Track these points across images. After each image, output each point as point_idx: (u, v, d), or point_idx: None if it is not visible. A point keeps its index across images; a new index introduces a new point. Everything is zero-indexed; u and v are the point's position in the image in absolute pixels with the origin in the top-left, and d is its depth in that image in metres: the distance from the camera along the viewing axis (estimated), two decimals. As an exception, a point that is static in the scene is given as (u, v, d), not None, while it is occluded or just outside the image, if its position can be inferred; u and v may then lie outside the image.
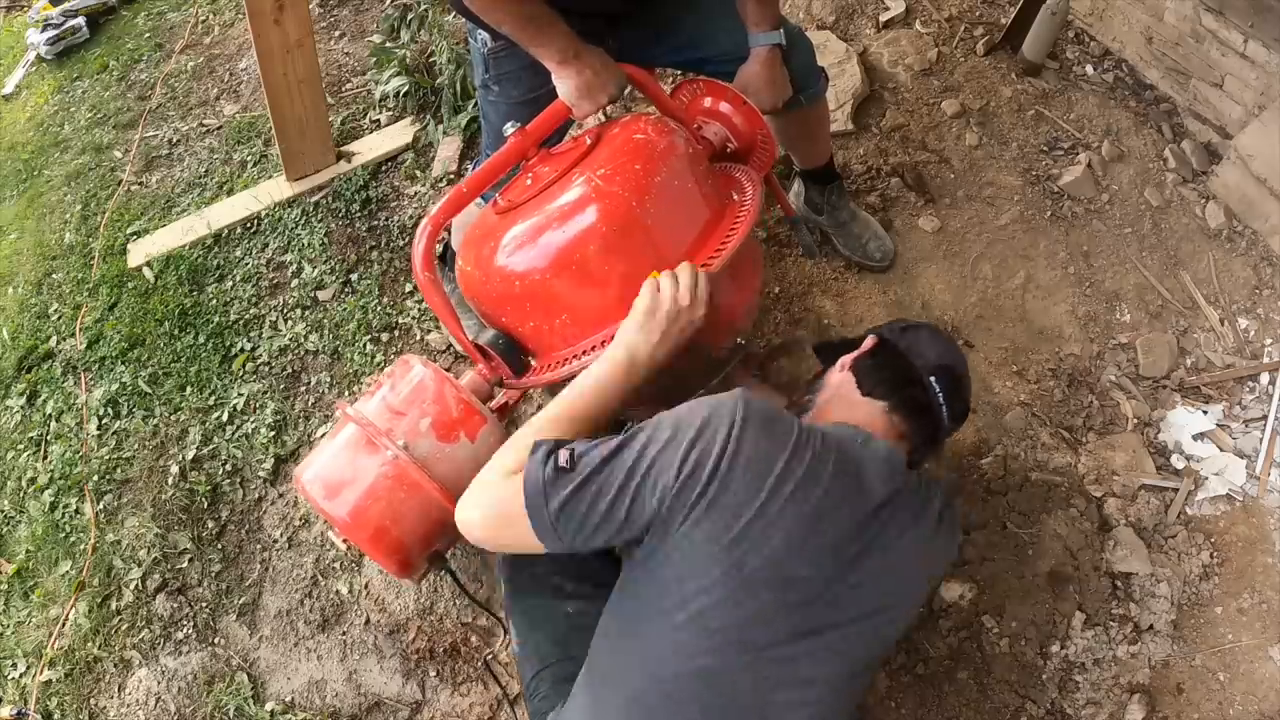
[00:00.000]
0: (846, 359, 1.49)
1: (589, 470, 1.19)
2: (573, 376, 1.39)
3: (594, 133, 1.56)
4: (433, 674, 2.10)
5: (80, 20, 4.07)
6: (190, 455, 2.49)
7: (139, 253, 2.99)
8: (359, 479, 1.39)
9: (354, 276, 2.75)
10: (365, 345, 2.60)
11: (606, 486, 1.18)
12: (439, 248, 2.37)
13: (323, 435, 2.43)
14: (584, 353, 1.43)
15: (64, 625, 2.33)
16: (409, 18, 3.10)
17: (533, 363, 1.56)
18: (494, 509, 1.24)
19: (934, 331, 1.55)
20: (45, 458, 2.65)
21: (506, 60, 1.83)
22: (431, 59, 3.02)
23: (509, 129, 1.55)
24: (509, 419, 1.90)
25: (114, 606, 2.33)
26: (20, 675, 2.31)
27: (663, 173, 1.43)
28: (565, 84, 1.61)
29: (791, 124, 2.11)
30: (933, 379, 1.40)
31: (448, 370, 1.74)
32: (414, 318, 2.63)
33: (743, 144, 1.76)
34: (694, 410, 1.22)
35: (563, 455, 1.20)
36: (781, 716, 1.23)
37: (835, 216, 2.40)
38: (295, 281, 2.79)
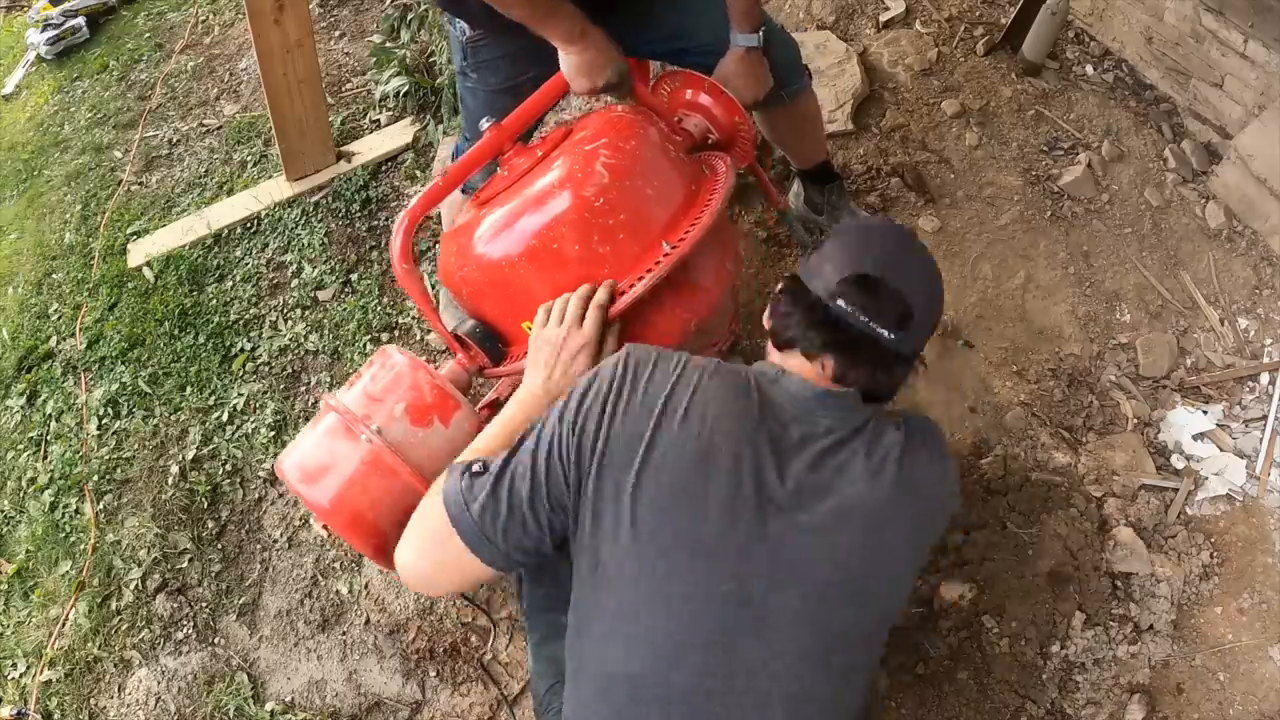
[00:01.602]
0: (765, 317, 1.30)
1: (499, 465, 1.18)
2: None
3: (567, 126, 1.59)
4: (433, 674, 2.10)
5: (80, 20, 4.07)
6: (190, 455, 2.49)
7: (139, 253, 2.99)
8: (337, 465, 1.39)
9: (354, 276, 2.75)
10: (365, 345, 2.60)
11: (518, 474, 1.17)
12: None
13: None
14: None
15: (64, 625, 2.33)
16: (409, 18, 3.10)
17: (514, 350, 1.57)
18: (424, 536, 1.22)
19: (843, 235, 1.27)
20: (45, 458, 2.65)
21: (485, 49, 1.85)
22: (431, 59, 3.02)
23: (484, 124, 1.57)
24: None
25: (114, 606, 2.33)
26: (20, 675, 2.31)
27: (635, 158, 1.45)
28: (568, 60, 1.63)
29: (778, 121, 2.13)
30: (839, 302, 1.17)
31: (436, 364, 1.75)
32: (414, 318, 2.63)
33: (724, 135, 1.77)
34: (582, 378, 1.22)
35: (475, 465, 1.20)
36: (741, 705, 1.13)
37: (835, 217, 2.40)
38: (295, 281, 2.79)
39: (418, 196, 1.55)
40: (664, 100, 1.82)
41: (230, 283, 2.84)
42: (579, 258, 1.41)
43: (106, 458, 2.56)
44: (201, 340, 2.72)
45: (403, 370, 1.46)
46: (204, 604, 2.28)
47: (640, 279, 1.39)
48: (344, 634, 2.19)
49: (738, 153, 1.78)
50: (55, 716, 2.23)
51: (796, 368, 1.22)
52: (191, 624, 2.26)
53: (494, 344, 1.53)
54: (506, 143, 1.58)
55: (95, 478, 2.52)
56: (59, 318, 2.98)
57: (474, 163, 1.57)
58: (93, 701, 2.23)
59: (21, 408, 2.79)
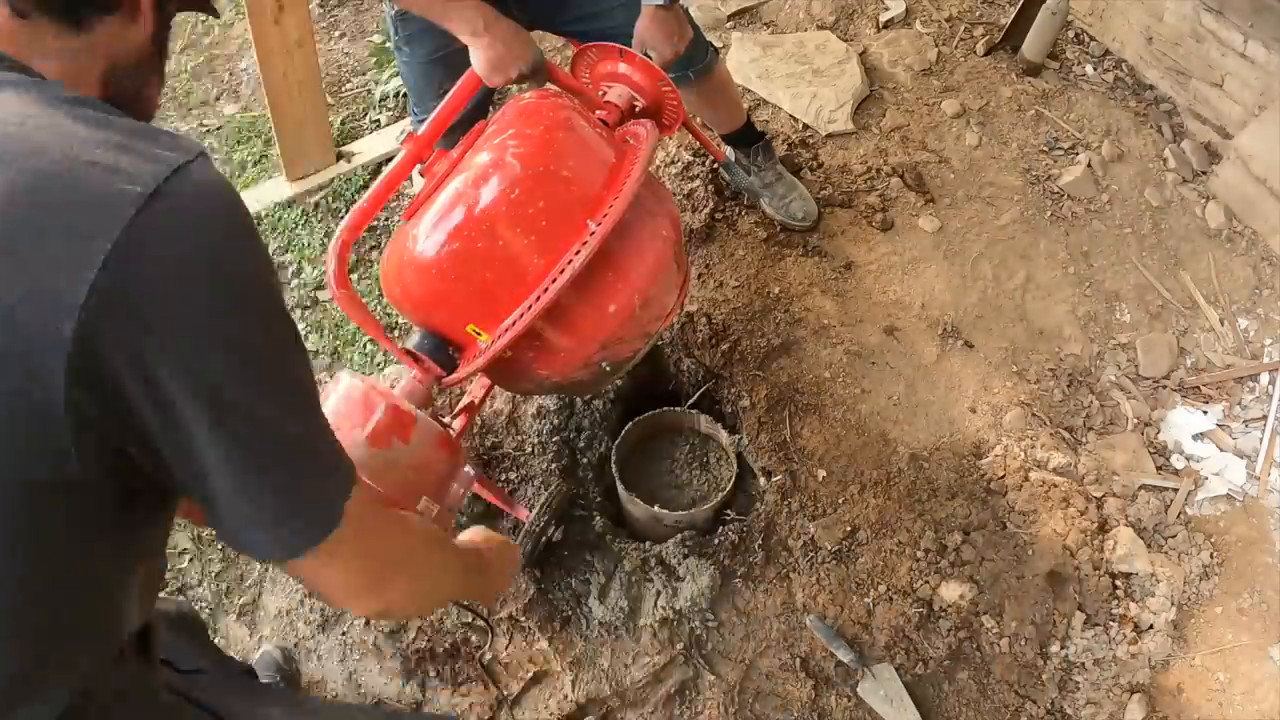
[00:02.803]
0: None
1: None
2: (502, 354, 1.41)
3: (484, 123, 1.58)
4: (432, 674, 2.10)
5: (80, 20, 4.07)
6: (190, 455, 2.49)
7: (139, 253, 2.99)
8: None
9: (354, 276, 2.75)
10: (366, 345, 2.59)
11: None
12: None
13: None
14: (513, 323, 1.41)
15: (64, 625, 2.33)
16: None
17: (466, 354, 1.55)
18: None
19: None
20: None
21: (411, 21, 1.87)
22: (431, 59, 3.02)
23: (400, 136, 1.59)
24: (472, 421, 1.97)
25: (114, 606, 2.33)
26: (20, 675, 2.31)
27: (545, 142, 1.45)
28: (477, 55, 1.63)
29: (689, 94, 2.24)
30: None
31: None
32: (414, 318, 2.63)
33: (649, 100, 1.76)
34: None
35: None
36: None
37: (761, 178, 2.50)
38: (295, 281, 2.78)
39: (346, 220, 1.55)
40: (584, 79, 1.81)
41: (230, 283, 2.84)
42: (506, 251, 1.40)
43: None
44: (201, 340, 2.72)
45: (355, 395, 1.41)
46: (204, 604, 2.28)
47: (569, 263, 1.35)
48: (344, 634, 2.18)
49: (669, 114, 1.77)
50: (55, 716, 2.23)
51: None
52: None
53: (443, 353, 1.52)
54: (425, 151, 1.57)
55: (95, 478, 2.53)
56: (59, 318, 2.98)
57: (395, 179, 1.57)
58: (93, 701, 2.23)
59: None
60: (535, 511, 1.96)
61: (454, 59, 1.70)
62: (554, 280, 1.36)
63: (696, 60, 2.10)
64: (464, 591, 1.27)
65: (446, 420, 1.67)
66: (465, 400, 1.70)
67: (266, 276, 0.76)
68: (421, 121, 1.67)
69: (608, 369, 1.52)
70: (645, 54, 1.79)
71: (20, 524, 0.71)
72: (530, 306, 1.37)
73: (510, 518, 2.12)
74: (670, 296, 1.60)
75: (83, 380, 0.64)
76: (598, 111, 1.66)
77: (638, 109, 1.73)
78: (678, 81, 2.05)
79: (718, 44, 2.96)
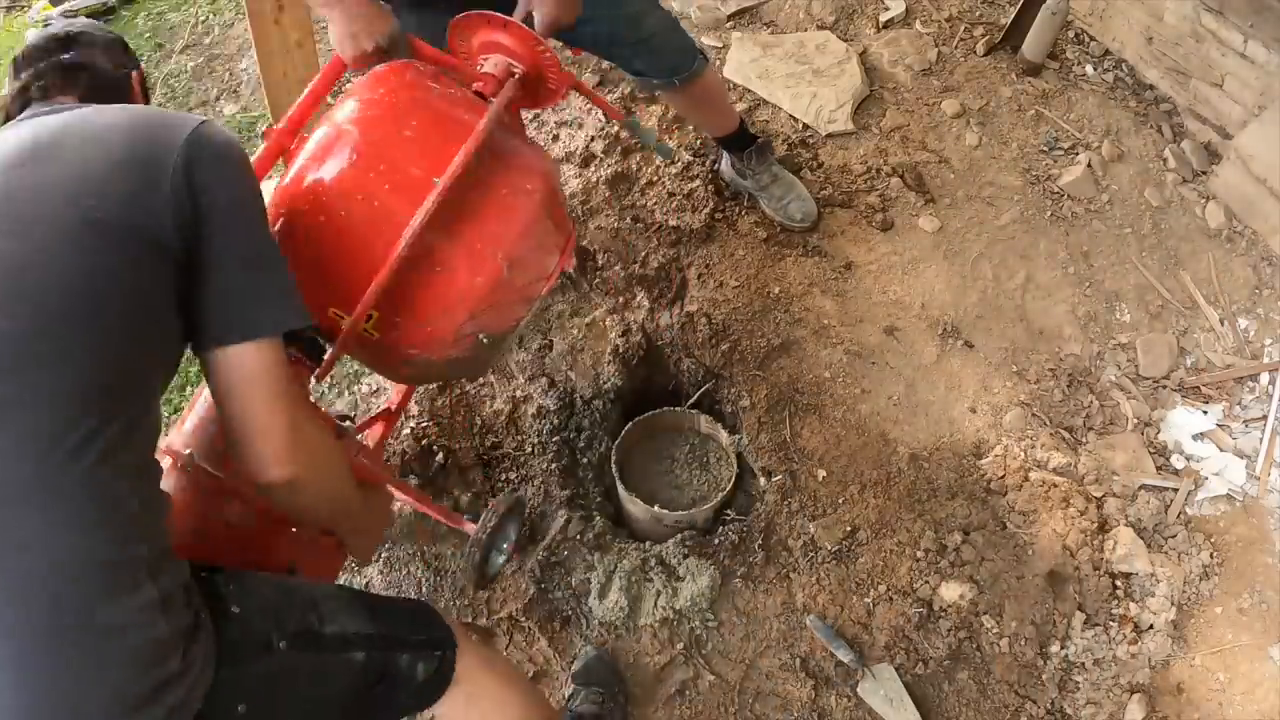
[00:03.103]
0: None
1: None
2: (368, 336, 1.36)
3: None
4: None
5: (80, 20, 4.07)
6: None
7: (139, 253, 2.99)
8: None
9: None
10: (365, 345, 2.59)
11: None
12: None
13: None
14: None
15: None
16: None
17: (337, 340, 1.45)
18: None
19: None
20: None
21: None
22: (431, 59, 3.02)
23: (261, 128, 1.56)
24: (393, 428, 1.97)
25: (114, 607, 2.32)
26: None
27: (387, 105, 1.39)
28: (331, 29, 1.56)
29: (676, 102, 2.37)
30: None
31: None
32: (414, 318, 2.63)
33: (529, 66, 1.62)
34: None
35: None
36: None
37: (757, 180, 2.50)
38: (295, 281, 2.78)
39: None
40: (460, 51, 1.69)
41: (230, 283, 2.84)
42: (359, 220, 1.31)
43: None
44: (201, 340, 2.71)
45: (208, 396, 1.41)
46: (204, 604, 2.28)
47: (411, 224, 1.27)
48: (344, 634, 2.18)
49: (551, 80, 1.65)
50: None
51: None
52: (191, 624, 2.26)
53: (316, 347, 1.46)
54: (289, 140, 1.49)
55: (95, 478, 2.52)
56: (59, 318, 2.98)
57: (261, 173, 1.44)
58: (93, 701, 2.22)
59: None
60: (480, 522, 1.89)
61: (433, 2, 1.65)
62: (400, 245, 1.28)
63: (682, 68, 2.13)
64: (351, 509, 1.35)
65: (348, 424, 1.62)
66: (382, 406, 1.63)
67: (251, 165, 1.20)
68: None
69: (485, 341, 1.41)
70: (528, 19, 1.67)
71: (127, 254, 1.03)
72: (386, 272, 1.29)
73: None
74: (549, 257, 1.49)
75: (177, 185, 1.07)
76: (475, 85, 1.57)
77: (516, 75, 1.61)
78: (664, 88, 2.11)
79: (718, 44, 2.97)
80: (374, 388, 2.45)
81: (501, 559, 2.04)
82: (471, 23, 1.62)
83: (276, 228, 1.33)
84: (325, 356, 1.44)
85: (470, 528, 1.89)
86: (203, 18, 3.92)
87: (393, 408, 1.89)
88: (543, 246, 1.46)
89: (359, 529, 1.52)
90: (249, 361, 1.10)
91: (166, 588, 0.99)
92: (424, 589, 2.19)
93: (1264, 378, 2.27)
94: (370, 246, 1.30)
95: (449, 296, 1.35)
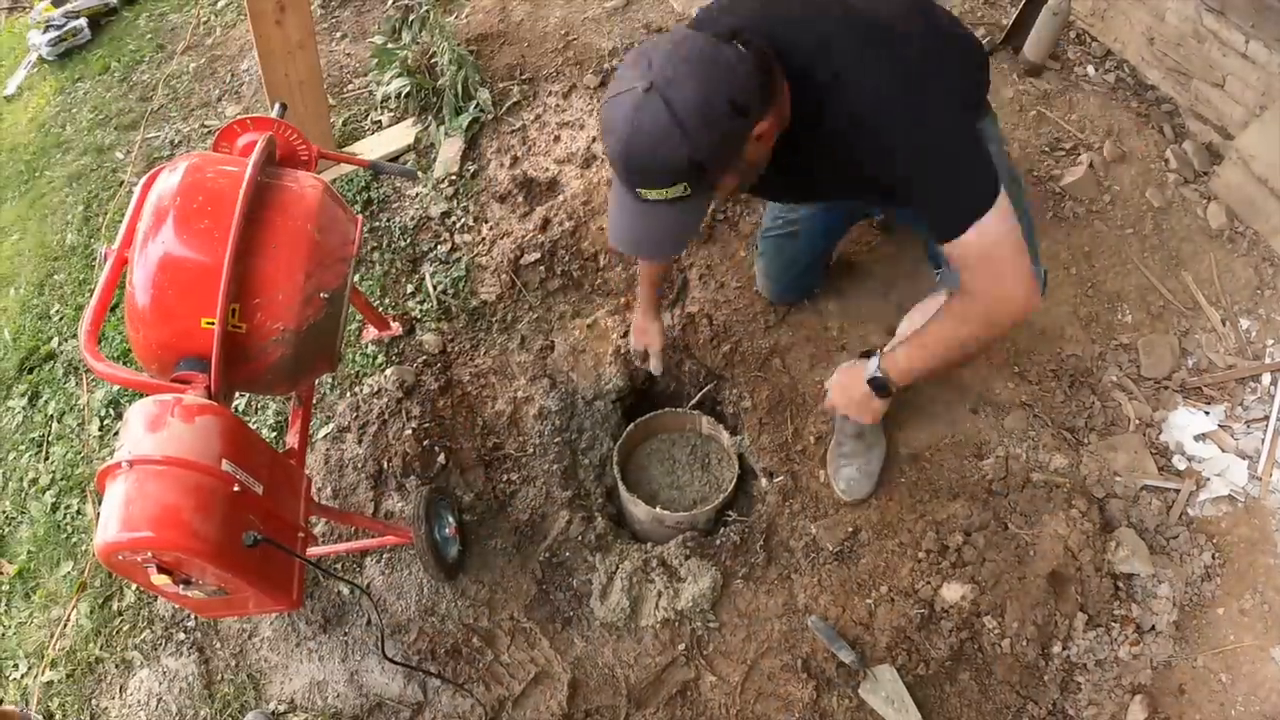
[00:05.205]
0: None
1: None
2: (237, 330, 1.63)
3: None
4: (434, 674, 2.10)
5: (82, 21, 4.07)
6: (192, 456, 2.49)
7: (140, 254, 3.00)
8: (123, 502, 1.53)
9: (355, 278, 2.75)
10: (367, 346, 2.60)
11: None
12: None
13: (322, 436, 2.44)
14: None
15: (65, 626, 2.33)
16: (410, 19, 3.10)
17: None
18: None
19: None
20: (47, 458, 2.65)
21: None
22: (433, 60, 3.02)
23: (102, 248, 1.82)
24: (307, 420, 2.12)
25: (116, 607, 2.33)
26: (22, 676, 2.31)
27: (194, 165, 1.74)
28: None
29: None
30: None
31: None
32: (415, 319, 2.63)
33: (282, 149, 2.02)
34: None
35: None
36: None
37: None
38: (297, 282, 2.79)
39: (84, 322, 1.68)
40: (224, 148, 2.08)
41: (232, 284, 2.84)
42: (192, 249, 1.61)
43: (108, 459, 2.56)
44: (203, 341, 2.72)
45: (135, 407, 1.59)
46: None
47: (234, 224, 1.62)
48: (345, 634, 2.19)
49: (302, 154, 2.07)
50: (57, 717, 2.23)
51: None
52: (193, 624, 2.26)
53: (206, 365, 1.63)
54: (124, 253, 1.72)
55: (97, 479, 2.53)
56: (61, 319, 2.98)
57: (110, 284, 1.70)
58: (94, 702, 2.23)
59: (23, 409, 2.79)
60: (412, 528, 2.05)
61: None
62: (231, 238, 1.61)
63: None
64: None
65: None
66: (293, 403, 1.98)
67: None
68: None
69: (326, 297, 1.71)
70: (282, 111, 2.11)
71: None
72: (228, 263, 1.58)
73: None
74: (347, 227, 1.87)
75: None
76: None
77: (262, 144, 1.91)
78: None
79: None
80: (374, 388, 2.46)
81: (454, 547, 2.18)
82: (238, 127, 2.07)
83: (142, 289, 1.62)
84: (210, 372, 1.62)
85: (397, 537, 2.07)
86: (204, 19, 3.93)
87: (303, 397, 2.09)
88: (337, 219, 1.83)
89: None
90: None
91: None
92: (424, 589, 2.20)
93: (1266, 378, 2.27)
94: (213, 256, 1.60)
95: (282, 262, 1.66)
